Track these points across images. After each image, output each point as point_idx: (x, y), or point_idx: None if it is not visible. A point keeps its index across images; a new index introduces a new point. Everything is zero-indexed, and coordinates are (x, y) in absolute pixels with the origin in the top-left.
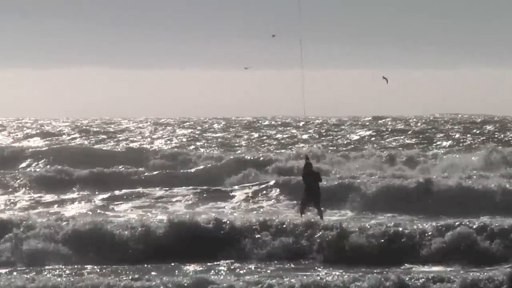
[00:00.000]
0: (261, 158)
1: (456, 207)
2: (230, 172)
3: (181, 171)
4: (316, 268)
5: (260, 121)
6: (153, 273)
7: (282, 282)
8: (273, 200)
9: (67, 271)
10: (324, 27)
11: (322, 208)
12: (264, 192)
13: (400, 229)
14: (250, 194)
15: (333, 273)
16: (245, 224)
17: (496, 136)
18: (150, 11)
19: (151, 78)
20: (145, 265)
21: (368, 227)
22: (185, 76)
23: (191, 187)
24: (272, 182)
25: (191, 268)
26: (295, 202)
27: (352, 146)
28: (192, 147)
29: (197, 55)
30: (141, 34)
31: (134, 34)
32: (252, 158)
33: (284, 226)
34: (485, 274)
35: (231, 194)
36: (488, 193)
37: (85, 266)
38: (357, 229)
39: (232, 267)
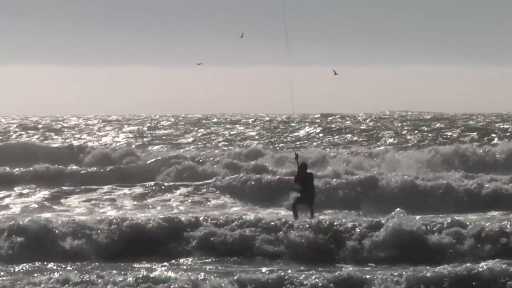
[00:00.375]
0: (206, 154)
1: (400, 204)
2: (174, 168)
3: (125, 166)
4: (259, 265)
5: (209, 118)
6: (101, 270)
7: (231, 279)
8: (216, 196)
9: (16, 268)
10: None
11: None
12: (209, 188)
13: (344, 225)
14: (194, 190)
15: (288, 271)
16: (190, 220)
17: (442, 132)
18: (102, 7)
19: (109, 75)
20: (92, 263)
21: (310, 223)
22: (137, 73)
23: (138, 183)
24: (215, 178)
25: (139, 266)
26: (235, 199)
27: (299, 143)
28: (138, 143)
29: (152, 52)
30: (95, 31)
31: (86, 31)
32: (196, 154)
33: (230, 222)
34: (433, 272)
35: (176, 190)
36: (433, 191)
37: (35, 263)
38: (300, 226)
39: (177, 263)
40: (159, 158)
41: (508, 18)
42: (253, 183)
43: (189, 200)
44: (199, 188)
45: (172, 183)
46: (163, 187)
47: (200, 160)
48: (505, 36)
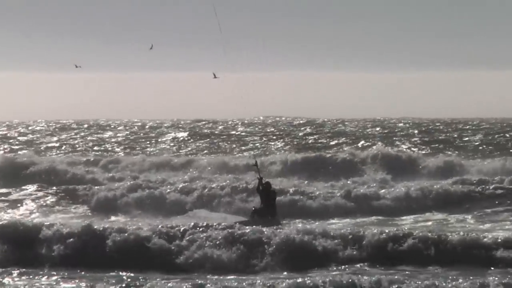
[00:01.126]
0: (68, 159)
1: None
2: (31, 171)
3: None
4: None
5: (81, 124)
6: None
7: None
8: (76, 202)
9: None
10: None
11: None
12: (71, 193)
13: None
14: (55, 195)
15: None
16: (48, 228)
17: (311, 137)
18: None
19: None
20: None
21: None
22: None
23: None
24: (87, 186)
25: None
26: (95, 206)
27: (168, 146)
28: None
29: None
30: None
31: None
32: (58, 159)
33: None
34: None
35: (36, 195)
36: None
37: None
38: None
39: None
40: (21, 161)
41: (387, 24)
42: (114, 190)
43: (48, 205)
44: (60, 193)
45: (33, 187)
46: (27, 191)
47: (61, 165)
48: (384, 41)
